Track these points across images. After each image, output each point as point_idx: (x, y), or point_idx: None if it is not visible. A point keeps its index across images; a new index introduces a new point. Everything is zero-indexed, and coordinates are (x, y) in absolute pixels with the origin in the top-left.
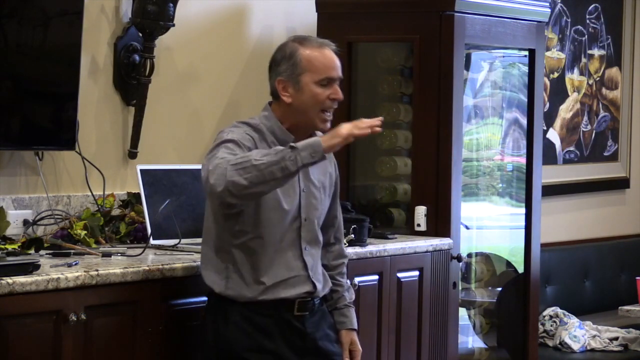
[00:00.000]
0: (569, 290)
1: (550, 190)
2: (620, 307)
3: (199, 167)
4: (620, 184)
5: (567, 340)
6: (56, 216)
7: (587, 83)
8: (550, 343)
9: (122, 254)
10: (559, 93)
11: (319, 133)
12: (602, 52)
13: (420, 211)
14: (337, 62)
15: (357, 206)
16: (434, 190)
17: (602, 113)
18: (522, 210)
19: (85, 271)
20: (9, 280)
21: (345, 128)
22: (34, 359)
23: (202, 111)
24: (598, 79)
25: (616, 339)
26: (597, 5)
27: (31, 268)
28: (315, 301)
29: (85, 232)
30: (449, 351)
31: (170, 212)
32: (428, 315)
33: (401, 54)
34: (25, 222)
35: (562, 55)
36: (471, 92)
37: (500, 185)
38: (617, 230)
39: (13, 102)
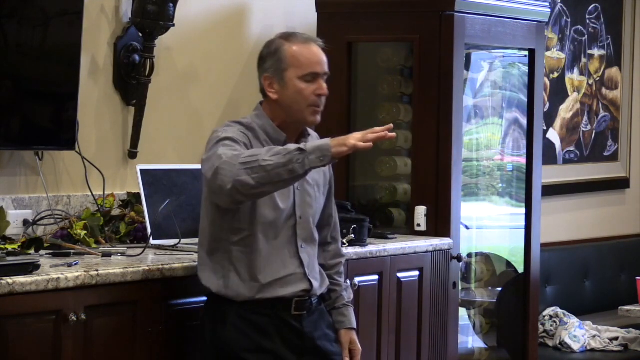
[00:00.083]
0: (569, 290)
1: (550, 190)
2: (620, 307)
3: (199, 167)
4: (620, 184)
5: (567, 340)
6: (56, 216)
7: (587, 83)
8: (550, 343)
9: (122, 254)
10: (559, 93)
11: (315, 134)
12: (602, 52)
13: (420, 211)
14: (323, 58)
15: (357, 206)
16: (434, 190)
17: (602, 113)
18: (522, 210)
19: (85, 271)
20: (9, 280)
21: (354, 138)
22: (34, 359)
23: (202, 111)
24: (598, 79)
25: (616, 339)
26: (597, 5)
27: (31, 268)
28: (312, 300)
29: (85, 232)
30: (449, 351)
31: (170, 212)
32: (428, 315)
33: (401, 54)
34: (25, 222)
35: (562, 55)
36: (471, 92)
37: (500, 185)
38: (617, 230)
39: (13, 102)
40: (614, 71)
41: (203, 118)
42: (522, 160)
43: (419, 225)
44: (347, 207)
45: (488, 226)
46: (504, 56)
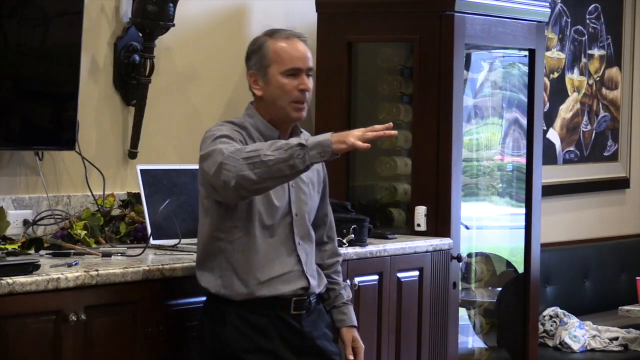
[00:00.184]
0: (569, 290)
1: (550, 190)
2: (620, 307)
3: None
4: (620, 184)
5: (567, 340)
6: (56, 216)
7: (587, 83)
8: (550, 343)
9: (122, 254)
10: (559, 93)
11: (307, 135)
12: (602, 52)
13: (420, 211)
14: (305, 53)
15: (357, 206)
16: (434, 190)
17: (602, 113)
18: (522, 210)
19: (85, 271)
20: (9, 280)
21: (353, 136)
22: (34, 359)
23: (202, 111)
24: (598, 79)
25: (616, 339)
26: (597, 5)
27: (31, 268)
28: (311, 299)
29: (85, 232)
30: (449, 351)
31: (170, 212)
32: (428, 315)
33: (401, 54)
34: (25, 222)
35: (562, 55)
36: (471, 92)
37: (500, 185)
38: (617, 230)
39: (13, 102)
40: (614, 71)
41: (203, 118)
42: (522, 160)
43: (419, 225)
44: (347, 207)
45: (488, 226)
46: (504, 56)
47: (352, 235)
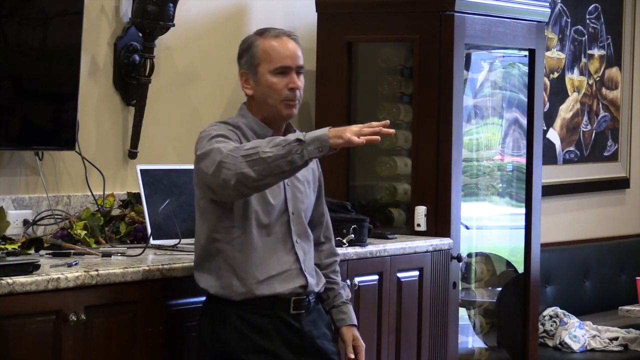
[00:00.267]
0: (569, 290)
1: (550, 190)
2: (620, 307)
3: None
4: (620, 184)
5: (567, 340)
6: (56, 216)
7: (587, 83)
8: (550, 343)
9: (122, 254)
10: (559, 93)
11: (298, 131)
12: (602, 52)
13: (420, 211)
14: (295, 51)
15: (357, 206)
16: (434, 190)
17: (602, 113)
18: (522, 210)
19: (85, 271)
20: (9, 280)
21: (350, 131)
22: (34, 359)
23: (202, 111)
24: (598, 79)
25: (616, 339)
26: (597, 5)
27: (31, 268)
28: (310, 299)
29: (85, 232)
30: (449, 351)
31: (170, 212)
32: (428, 315)
33: (401, 54)
34: (25, 222)
35: (562, 55)
36: (471, 92)
37: (500, 185)
38: (617, 230)
39: (13, 102)
40: (614, 71)
41: (203, 118)
42: (522, 160)
43: (419, 225)
44: (347, 207)
45: (488, 226)
46: (504, 56)
47: (352, 235)
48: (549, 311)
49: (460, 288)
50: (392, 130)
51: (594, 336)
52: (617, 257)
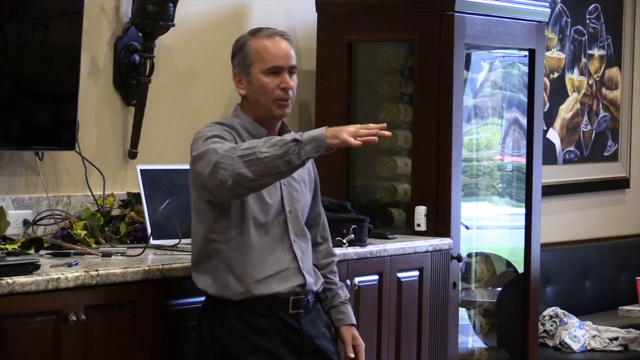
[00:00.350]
0: (569, 290)
1: (550, 190)
2: (620, 307)
3: None
4: (620, 184)
5: (567, 340)
6: (56, 216)
7: (587, 83)
8: (550, 343)
9: (122, 254)
10: (559, 93)
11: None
12: (602, 52)
13: (420, 211)
14: (287, 51)
15: (357, 206)
16: (434, 190)
17: (602, 113)
18: (522, 210)
19: (85, 271)
20: (9, 280)
21: (347, 132)
22: (34, 359)
23: (202, 111)
24: (598, 79)
25: (616, 339)
26: (597, 5)
27: (31, 268)
28: (309, 298)
29: (85, 232)
30: (449, 351)
31: (170, 212)
32: (428, 315)
33: (401, 54)
34: (25, 222)
35: (562, 55)
36: (471, 92)
37: (500, 185)
38: (617, 230)
39: (13, 102)
40: (614, 71)
41: (203, 118)
42: (522, 160)
43: (419, 225)
44: (347, 207)
45: (488, 226)
46: (504, 56)
47: (352, 235)
48: (549, 311)
49: (460, 288)
50: (388, 133)
51: (594, 336)
52: (617, 257)
